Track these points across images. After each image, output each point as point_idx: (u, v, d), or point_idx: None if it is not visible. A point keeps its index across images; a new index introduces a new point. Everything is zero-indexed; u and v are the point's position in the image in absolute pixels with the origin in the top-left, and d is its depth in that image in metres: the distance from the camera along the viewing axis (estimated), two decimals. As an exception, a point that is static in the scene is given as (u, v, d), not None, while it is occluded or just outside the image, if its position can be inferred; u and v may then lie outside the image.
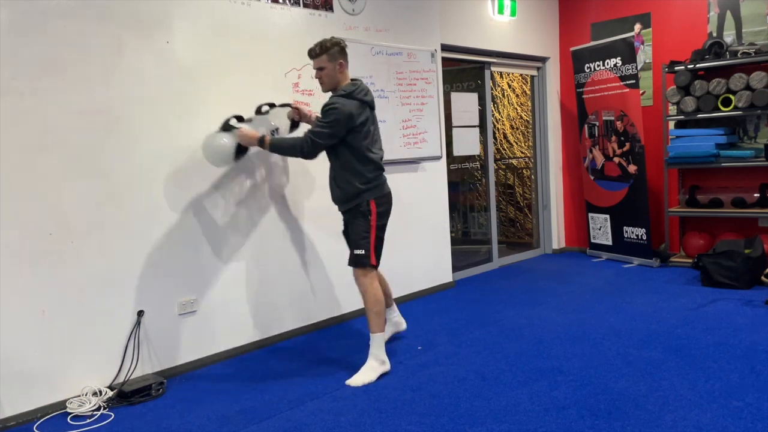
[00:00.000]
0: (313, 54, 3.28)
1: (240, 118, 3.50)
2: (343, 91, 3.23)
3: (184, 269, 3.50)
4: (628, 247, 5.80)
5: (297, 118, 3.65)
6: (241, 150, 3.39)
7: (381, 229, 3.33)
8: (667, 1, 5.69)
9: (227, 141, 3.33)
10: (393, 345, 3.74)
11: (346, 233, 3.47)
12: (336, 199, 3.39)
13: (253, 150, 3.63)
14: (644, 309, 4.22)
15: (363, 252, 3.26)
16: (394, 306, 3.81)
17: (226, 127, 3.39)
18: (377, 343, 3.29)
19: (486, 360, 3.40)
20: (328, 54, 3.24)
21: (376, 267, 3.33)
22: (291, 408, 2.92)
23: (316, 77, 3.36)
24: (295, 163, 4.02)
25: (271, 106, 3.67)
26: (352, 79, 3.33)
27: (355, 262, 3.29)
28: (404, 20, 4.74)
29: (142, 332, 3.33)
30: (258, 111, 3.63)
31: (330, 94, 3.34)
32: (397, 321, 3.83)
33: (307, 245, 4.13)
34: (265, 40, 3.85)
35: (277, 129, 3.55)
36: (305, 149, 3.22)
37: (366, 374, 3.21)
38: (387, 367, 3.30)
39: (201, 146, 3.41)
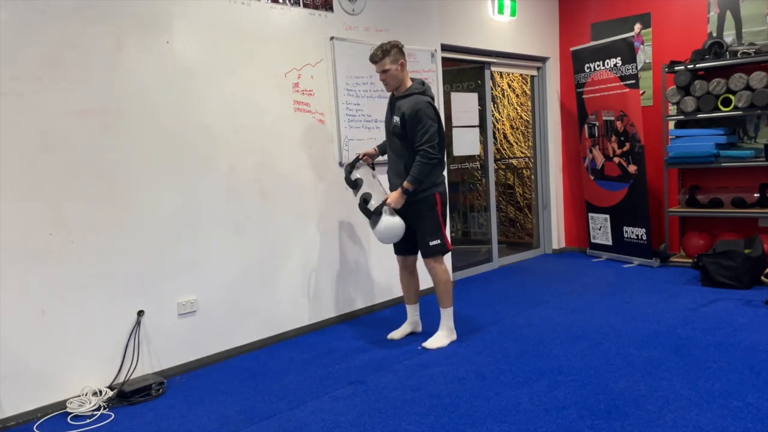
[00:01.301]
0: (376, 58, 3.50)
1: (365, 199, 3.57)
2: (416, 90, 3.50)
3: (184, 269, 3.50)
4: (628, 247, 5.79)
5: (370, 161, 3.78)
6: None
7: (446, 217, 3.68)
8: (667, 1, 5.69)
9: (399, 221, 3.51)
10: (393, 345, 3.74)
11: (408, 220, 3.59)
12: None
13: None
14: (644, 309, 4.22)
15: (439, 242, 3.58)
16: (418, 305, 3.93)
17: (378, 211, 3.49)
18: (448, 315, 3.69)
19: (486, 360, 3.40)
20: (390, 56, 3.46)
21: (450, 250, 3.69)
22: (291, 408, 2.92)
23: (380, 80, 3.58)
24: (295, 164, 4.02)
25: (351, 167, 3.69)
26: (411, 79, 3.58)
27: (433, 251, 3.58)
28: (404, 20, 4.73)
29: (142, 332, 3.33)
30: (349, 181, 3.66)
31: (390, 93, 3.62)
32: (416, 321, 3.93)
33: (308, 245, 4.13)
34: (265, 40, 3.85)
35: (373, 175, 3.72)
36: (431, 160, 3.44)
37: (439, 339, 3.65)
38: (454, 336, 3.70)
39: (381, 237, 3.55)
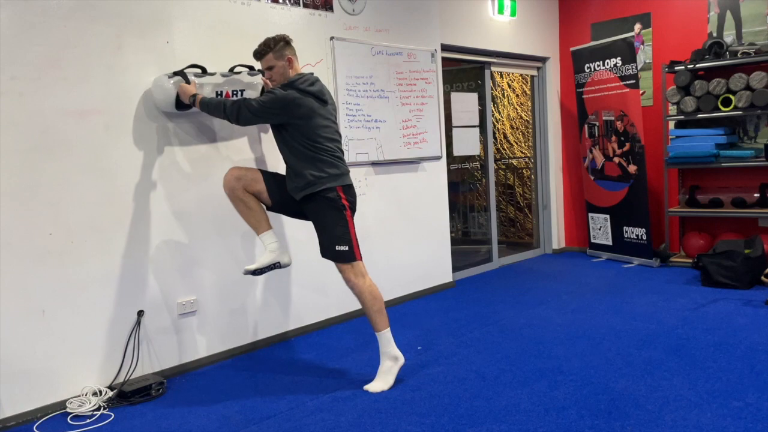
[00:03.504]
0: (258, 54, 3.16)
1: (204, 70, 3.38)
2: (290, 79, 3.09)
3: (184, 269, 3.50)
4: (628, 247, 5.79)
5: (267, 88, 3.44)
6: (181, 104, 3.27)
7: (353, 221, 3.17)
8: (667, 1, 5.69)
9: (170, 87, 3.22)
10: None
11: (291, 202, 3.21)
12: (293, 188, 3.15)
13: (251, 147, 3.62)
14: (644, 309, 4.22)
15: (347, 248, 3.09)
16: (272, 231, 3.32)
17: (179, 74, 3.25)
18: (386, 341, 3.13)
19: (486, 360, 3.40)
20: (274, 51, 3.12)
21: (361, 259, 3.15)
22: (291, 408, 2.92)
23: (266, 77, 3.25)
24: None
25: (250, 68, 3.54)
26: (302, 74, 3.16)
27: (341, 258, 3.10)
28: (404, 20, 4.74)
29: (142, 332, 3.33)
30: (231, 70, 3.51)
31: None
32: (276, 247, 3.31)
33: (308, 245, 4.13)
34: (265, 40, 3.85)
35: (242, 91, 3.46)
36: (229, 111, 3.07)
37: (384, 379, 3.10)
38: (401, 361, 3.17)
39: (152, 81, 3.31)
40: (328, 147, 3.11)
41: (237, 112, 3.06)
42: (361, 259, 3.15)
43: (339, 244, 3.09)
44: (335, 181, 3.10)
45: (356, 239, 3.15)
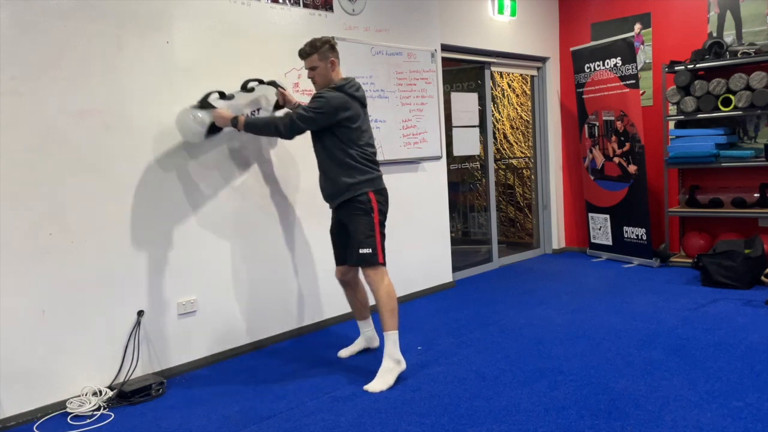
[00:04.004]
0: (303, 54, 3.25)
1: (222, 94, 3.40)
2: (334, 84, 3.21)
3: (184, 269, 3.50)
4: (628, 247, 5.80)
5: (282, 101, 3.61)
6: (214, 129, 3.32)
7: (383, 225, 3.27)
8: (667, 1, 5.69)
9: (201, 118, 3.24)
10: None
11: (338, 232, 3.39)
12: (327, 195, 3.32)
13: (248, 148, 3.62)
14: (644, 309, 4.22)
15: (370, 250, 3.18)
16: (370, 320, 3.65)
17: (204, 104, 3.29)
18: (392, 342, 3.17)
19: (486, 360, 3.40)
20: (319, 53, 3.21)
21: (384, 264, 3.25)
22: (291, 408, 2.92)
23: (308, 77, 3.33)
24: (300, 163, 4.02)
25: (260, 82, 3.59)
26: (344, 79, 3.29)
27: (363, 261, 3.19)
28: (404, 20, 4.74)
29: (142, 332, 3.33)
30: (244, 87, 3.54)
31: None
32: (370, 336, 3.65)
33: (309, 245, 4.13)
34: (265, 40, 3.85)
35: (258, 109, 3.49)
36: (283, 128, 3.16)
37: (384, 379, 3.11)
38: (403, 366, 3.19)
39: (175, 119, 3.32)
40: (366, 152, 3.24)
41: (290, 125, 3.15)
42: (384, 264, 3.24)
43: (362, 247, 3.18)
44: (367, 186, 3.22)
45: (381, 243, 3.23)
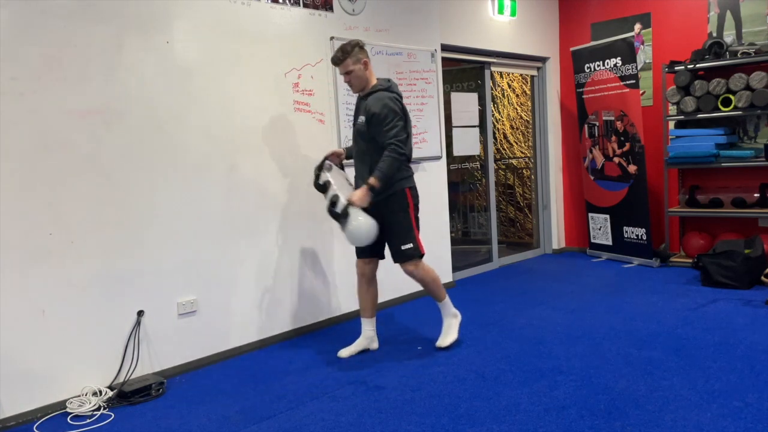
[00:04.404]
0: (337, 60, 3.37)
1: (320, 168, 3.44)
2: (381, 86, 3.38)
3: (184, 269, 3.50)
4: (628, 247, 5.79)
5: (338, 161, 3.64)
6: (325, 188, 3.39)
7: (418, 220, 3.49)
8: (667, 1, 5.69)
9: (367, 221, 3.24)
10: (393, 345, 3.73)
11: (381, 227, 3.38)
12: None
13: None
14: (644, 309, 4.22)
15: (411, 245, 3.40)
16: (374, 320, 3.67)
17: (336, 198, 3.27)
18: (445, 305, 3.60)
19: (486, 360, 3.40)
20: (351, 56, 3.33)
21: (423, 255, 3.48)
22: (291, 408, 2.92)
23: (345, 82, 3.45)
24: (294, 163, 4.02)
25: (318, 169, 3.50)
26: (378, 78, 3.46)
27: (405, 257, 3.41)
28: (404, 20, 4.73)
29: (142, 332, 3.33)
30: (321, 188, 3.45)
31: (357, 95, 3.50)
32: (371, 336, 3.66)
33: (308, 246, 4.13)
34: (265, 40, 3.85)
35: (331, 165, 3.55)
36: (400, 157, 3.29)
37: (450, 334, 3.60)
38: (459, 317, 3.68)
39: (351, 239, 3.31)
40: (409, 149, 3.41)
41: (401, 149, 3.29)
42: (424, 253, 3.49)
43: (404, 243, 3.40)
44: (406, 183, 3.41)
45: (419, 236, 3.47)
